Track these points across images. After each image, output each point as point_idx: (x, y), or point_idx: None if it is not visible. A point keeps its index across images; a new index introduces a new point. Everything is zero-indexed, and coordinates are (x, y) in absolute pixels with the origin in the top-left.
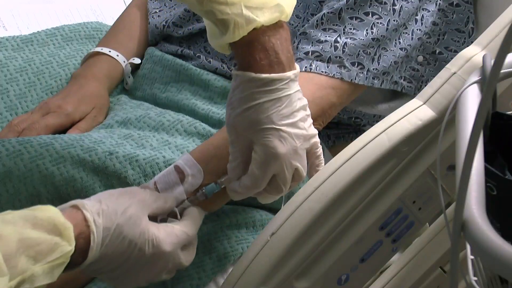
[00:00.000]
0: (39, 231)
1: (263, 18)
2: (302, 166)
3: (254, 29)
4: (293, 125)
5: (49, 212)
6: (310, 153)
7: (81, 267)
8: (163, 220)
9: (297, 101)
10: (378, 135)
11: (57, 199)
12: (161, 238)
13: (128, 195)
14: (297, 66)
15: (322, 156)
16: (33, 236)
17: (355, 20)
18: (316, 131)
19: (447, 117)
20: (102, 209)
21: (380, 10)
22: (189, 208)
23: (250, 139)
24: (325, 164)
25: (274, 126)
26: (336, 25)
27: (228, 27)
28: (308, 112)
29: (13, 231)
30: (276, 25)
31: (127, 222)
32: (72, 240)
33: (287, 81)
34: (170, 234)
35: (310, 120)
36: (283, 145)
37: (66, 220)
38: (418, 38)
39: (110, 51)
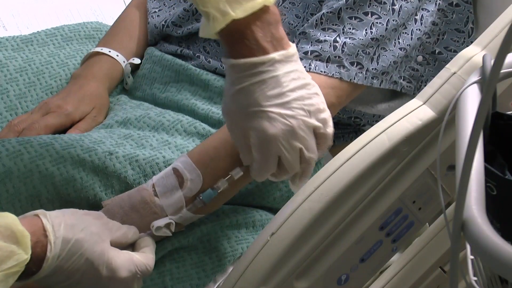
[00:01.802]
0: None
1: (240, 11)
2: (306, 146)
3: (234, 19)
4: (284, 105)
5: (7, 219)
6: (316, 133)
7: (35, 277)
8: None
9: (291, 81)
10: (378, 135)
11: (57, 199)
12: (119, 263)
13: (93, 216)
14: (292, 46)
15: (328, 135)
16: None
17: (355, 20)
18: (325, 109)
19: (447, 117)
20: (64, 221)
21: (380, 10)
22: (143, 239)
23: (244, 125)
24: (325, 164)
25: (261, 109)
26: (336, 24)
27: (209, 19)
28: (313, 90)
29: None
30: (259, 11)
31: (87, 239)
32: (29, 249)
33: (271, 63)
34: (129, 262)
35: (316, 99)
36: (273, 126)
37: (24, 228)
38: (417, 38)
39: (110, 51)
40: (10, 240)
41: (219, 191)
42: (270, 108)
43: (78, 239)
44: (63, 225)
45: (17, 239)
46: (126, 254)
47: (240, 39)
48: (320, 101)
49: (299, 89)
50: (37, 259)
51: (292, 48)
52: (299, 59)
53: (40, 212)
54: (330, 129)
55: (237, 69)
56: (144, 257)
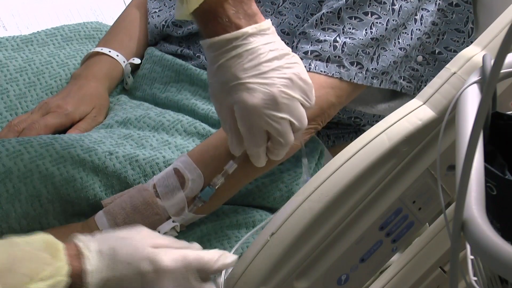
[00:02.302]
0: (31, 249)
1: None
2: (293, 116)
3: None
4: (262, 75)
5: (40, 235)
6: (305, 103)
7: None
8: None
9: (268, 53)
10: (378, 135)
11: (57, 199)
12: (162, 254)
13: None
14: (266, 21)
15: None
16: (25, 252)
17: (354, 19)
18: (308, 78)
19: (447, 117)
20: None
21: (379, 10)
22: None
23: (228, 103)
24: (325, 164)
25: (240, 81)
26: (336, 24)
27: (183, 0)
28: (293, 60)
29: (2, 247)
30: None
31: (122, 245)
32: (63, 258)
33: (245, 36)
34: (175, 253)
35: (297, 68)
36: (252, 96)
37: (58, 241)
38: (417, 38)
39: (110, 51)
40: (47, 252)
41: (216, 187)
42: (248, 79)
43: (112, 247)
44: (92, 240)
45: (51, 251)
46: (174, 250)
47: (213, 17)
48: (301, 70)
49: (277, 60)
50: (79, 273)
51: (266, 22)
52: (275, 33)
53: (78, 242)
54: (314, 98)
55: (214, 47)
56: (199, 252)
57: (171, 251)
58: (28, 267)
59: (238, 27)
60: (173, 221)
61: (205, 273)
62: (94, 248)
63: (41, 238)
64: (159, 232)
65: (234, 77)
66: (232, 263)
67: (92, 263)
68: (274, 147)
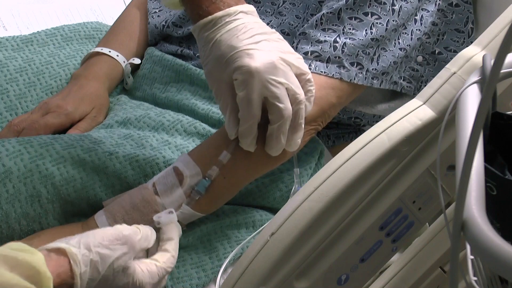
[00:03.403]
0: (16, 274)
1: None
2: (291, 83)
3: None
4: (258, 44)
5: (32, 256)
6: (299, 78)
7: None
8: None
9: (258, 28)
10: (378, 135)
11: (57, 199)
12: (145, 282)
13: (120, 241)
14: (250, 6)
15: (312, 81)
16: (7, 277)
17: (355, 20)
18: (296, 53)
19: (447, 117)
20: (91, 260)
21: (380, 10)
22: (169, 229)
23: (226, 77)
24: (325, 164)
25: (238, 50)
26: (336, 25)
27: None
28: (277, 36)
29: None
30: None
31: (114, 275)
32: None
33: (237, 13)
34: (152, 275)
35: (283, 43)
36: (254, 59)
37: (47, 270)
38: (417, 38)
39: (110, 51)
40: (31, 279)
41: (212, 179)
42: (246, 46)
43: (105, 275)
44: (90, 264)
45: (39, 280)
46: (149, 266)
47: None
48: (287, 45)
49: (266, 34)
50: None
51: (252, 6)
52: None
53: (66, 248)
54: (306, 69)
55: (208, 26)
56: (164, 259)
57: (152, 274)
58: None
59: (229, 5)
60: (170, 212)
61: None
62: (86, 276)
63: (30, 261)
64: (159, 223)
65: (232, 48)
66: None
67: (83, 285)
68: (274, 120)
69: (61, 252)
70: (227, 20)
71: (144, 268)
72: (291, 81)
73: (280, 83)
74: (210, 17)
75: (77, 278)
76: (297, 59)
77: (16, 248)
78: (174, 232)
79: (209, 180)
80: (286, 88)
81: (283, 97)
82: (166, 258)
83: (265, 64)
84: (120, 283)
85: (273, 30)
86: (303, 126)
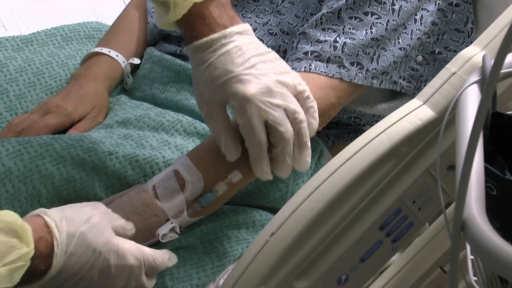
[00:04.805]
0: None
1: None
2: (288, 103)
3: (195, 2)
4: (253, 67)
5: (6, 216)
6: (298, 97)
7: (46, 277)
8: None
9: (254, 49)
10: (378, 135)
11: (57, 199)
12: (126, 249)
13: (91, 206)
14: (247, 24)
15: (311, 97)
16: None
17: (355, 20)
18: (291, 70)
19: (447, 117)
20: (65, 216)
21: (380, 10)
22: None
23: (220, 99)
24: (325, 164)
25: (233, 74)
26: (336, 25)
27: (169, 7)
28: (274, 56)
29: None
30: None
31: (91, 230)
32: (31, 242)
33: (232, 35)
34: (136, 249)
35: (280, 62)
36: (249, 85)
37: (25, 222)
38: (417, 38)
39: (109, 51)
40: (10, 235)
41: (218, 195)
42: (242, 71)
43: (83, 232)
44: (64, 220)
45: (18, 234)
46: (132, 242)
47: (200, 20)
48: (284, 64)
49: (262, 55)
50: (43, 256)
51: (246, 24)
52: (254, 34)
53: (40, 211)
54: (304, 87)
55: (202, 48)
56: (153, 251)
57: (131, 246)
58: None
59: (224, 27)
60: (171, 223)
61: (153, 271)
62: (65, 230)
63: (6, 219)
64: (158, 234)
65: (226, 72)
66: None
67: (61, 246)
68: (277, 142)
69: (34, 215)
70: (222, 42)
71: (126, 240)
72: (289, 101)
73: (277, 105)
74: (205, 39)
75: (53, 229)
76: (294, 78)
77: None
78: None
79: (215, 196)
80: (285, 109)
81: (282, 119)
82: (155, 250)
83: (260, 89)
84: (101, 246)
85: (269, 49)
86: (309, 144)
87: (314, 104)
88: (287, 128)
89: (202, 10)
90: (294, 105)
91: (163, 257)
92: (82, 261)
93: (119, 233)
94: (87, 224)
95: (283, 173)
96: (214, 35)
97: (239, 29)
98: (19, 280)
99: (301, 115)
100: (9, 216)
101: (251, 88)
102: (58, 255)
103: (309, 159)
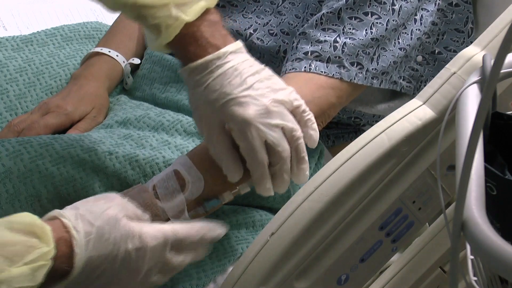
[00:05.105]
0: (14, 233)
1: (190, 13)
2: (286, 122)
3: (186, 23)
4: (250, 89)
5: (24, 217)
6: (294, 112)
7: (70, 277)
8: None
9: (249, 68)
10: (378, 135)
11: (57, 199)
12: (144, 232)
13: (104, 199)
14: (239, 41)
15: (307, 110)
16: (7, 236)
17: (355, 20)
18: (286, 86)
19: (447, 117)
20: (80, 214)
21: (380, 10)
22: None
23: (219, 122)
24: (325, 164)
25: (231, 97)
26: (336, 25)
27: (161, 30)
28: (269, 72)
29: None
30: (204, 13)
31: (107, 223)
32: (51, 242)
33: (226, 55)
34: (154, 229)
35: (275, 79)
36: (247, 107)
37: (43, 222)
38: (417, 38)
39: (109, 51)
40: (30, 235)
41: (223, 203)
42: (238, 94)
43: (99, 226)
44: (80, 219)
45: (38, 234)
46: (151, 224)
47: (192, 41)
48: (279, 80)
49: (257, 73)
50: (64, 256)
51: (239, 42)
52: (246, 51)
53: (55, 212)
54: (300, 101)
55: (198, 70)
56: (174, 225)
57: (149, 228)
58: (10, 250)
59: (217, 47)
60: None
61: (180, 245)
62: (83, 229)
63: (25, 220)
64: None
65: (224, 94)
66: (215, 236)
67: (81, 245)
68: (274, 160)
69: (50, 218)
70: (217, 64)
71: (142, 224)
72: (287, 119)
73: (276, 125)
74: (200, 61)
75: (71, 229)
76: (290, 94)
77: (6, 216)
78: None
79: (220, 202)
80: (282, 128)
81: (280, 140)
82: (177, 224)
83: (259, 111)
84: (119, 236)
85: (263, 66)
86: (306, 158)
87: (311, 116)
88: (284, 148)
89: (194, 31)
90: (291, 123)
91: (190, 228)
92: (103, 255)
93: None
94: (102, 218)
95: (281, 189)
96: (209, 57)
97: (233, 48)
98: (41, 279)
99: (298, 132)
100: (28, 217)
101: (250, 111)
102: (78, 254)
103: (307, 172)
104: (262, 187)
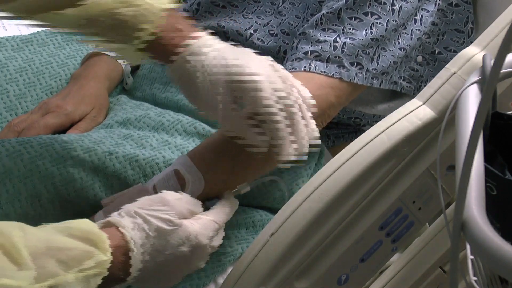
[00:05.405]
0: (72, 239)
1: (165, 2)
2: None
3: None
4: (245, 54)
5: (83, 224)
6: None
7: (124, 283)
8: None
9: (233, 47)
10: (378, 135)
11: (57, 199)
12: (198, 232)
13: (160, 202)
14: (206, 35)
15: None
16: (64, 241)
17: (354, 20)
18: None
19: (447, 117)
20: (137, 224)
21: (379, 10)
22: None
23: (231, 95)
24: (325, 164)
25: (235, 67)
26: (336, 25)
27: (140, 26)
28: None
29: (43, 233)
30: (169, 11)
31: (164, 233)
32: (108, 251)
33: (203, 39)
34: (205, 227)
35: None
36: (255, 73)
37: (101, 231)
38: (417, 38)
39: (109, 51)
40: (87, 242)
41: None
42: (242, 59)
43: (156, 236)
44: (137, 228)
45: (95, 242)
46: (199, 220)
47: (175, 31)
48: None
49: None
50: (120, 264)
51: (206, 34)
52: None
53: (112, 219)
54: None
55: (194, 53)
56: (213, 214)
57: (202, 226)
58: (67, 255)
59: (192, 33)
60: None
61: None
62: (140, 240)
63: (83, 227)
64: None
65: (226, 69)
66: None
67: (137, 257)
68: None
69: (107, 225)
70: (207, 45)
71: (194, 222)
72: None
73: (285, 77)
74: (193, 45)
75: (129, 240)
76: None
77: (65, 222)
78: (225, 197)
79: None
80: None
81: (289, 90)
82: (213, 212)
83: (266, 71)
84: (175, 241)
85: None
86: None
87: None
88: (295, 96)
89: (173, 22)
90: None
91: (225, 214)
92: (158, 262)
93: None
94: (159, 228)
95: (303, 145)
96: (200, 42)
97: (202, 32)
98: (96, 287)
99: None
100: (85, 223)
101: (260, 73)
102: (134, 265)
103: (315, 129)
104: (285, 152)
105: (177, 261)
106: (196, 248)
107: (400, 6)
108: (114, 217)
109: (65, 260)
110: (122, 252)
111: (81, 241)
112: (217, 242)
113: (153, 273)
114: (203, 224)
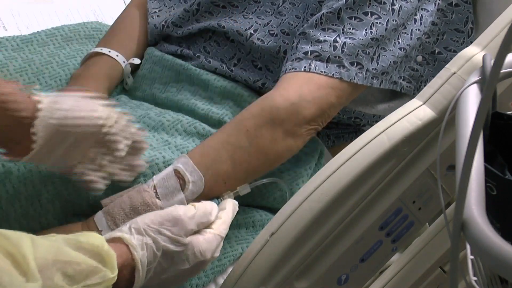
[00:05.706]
0: (80, 253)
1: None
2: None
3: None
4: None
5: (94, 238)
6: None
7: None
8: None
9: None
10: (378, 135)
11: (57, 199)
12: (204, 249)
13: (170, 221)
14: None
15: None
16: (73, 255)
17: (354, 20)
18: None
19: (447, 117)
20: (146, 243)
21: (379, 10)
22: (223, 202)
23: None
24: (325, 164)
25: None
26: (335, 25)
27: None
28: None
29: (52, 245)
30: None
31: (170, 252)
32: (115, 269)
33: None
34: (209, 242)
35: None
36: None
37: (110, 248)
38: (417, 38)
39: (109, 51)
40: (96, 258)
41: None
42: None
43: (163, 255)
44: (145, 248)
45: (103, 258)
46: (205, 235)
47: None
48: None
49: None
50: (124, 279)
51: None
52: None
53: (122, 236)
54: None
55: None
56: (216, 225)
57: (208, 242)
58: (74, 269)
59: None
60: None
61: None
62: (147, 259)
63: (93, 242)
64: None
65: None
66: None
67: (142, 275)
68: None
69: (116, 240)
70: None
71: (201, 238)
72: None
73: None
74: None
75: (137, 260)
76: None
77: (76, 234)
78: (227, 203)
79: (220, 202)
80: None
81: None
82: (218, 224)
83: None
84: (180, 260)
85: None
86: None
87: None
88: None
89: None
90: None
91: (224, 226)
92: (162, 278)
93: (200, 224)
94: (166, 248)
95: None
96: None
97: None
98: None
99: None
100: (95, 238)
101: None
102: (138, 283)
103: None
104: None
105: (180, 276)
106: (200, 263)
107: (400, 6)
108: (124, 235)
109: (72, 274)
110: (128, 269)
111: (89, 256)
112: (218, 252)
113: (155, 286)
114: (208, 239)
